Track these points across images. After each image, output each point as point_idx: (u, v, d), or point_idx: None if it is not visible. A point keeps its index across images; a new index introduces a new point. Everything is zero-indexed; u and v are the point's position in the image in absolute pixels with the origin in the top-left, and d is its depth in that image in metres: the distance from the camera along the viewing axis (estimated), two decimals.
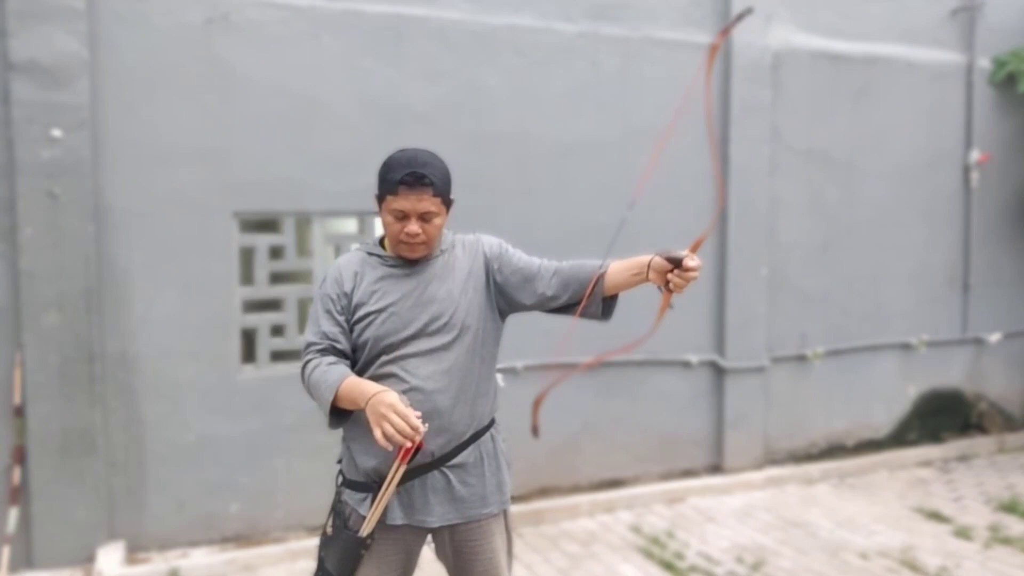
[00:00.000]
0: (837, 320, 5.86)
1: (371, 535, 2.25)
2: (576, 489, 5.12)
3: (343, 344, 2.31)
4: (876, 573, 4.19)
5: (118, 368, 4.20)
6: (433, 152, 2.32)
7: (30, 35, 3.93)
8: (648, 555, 4.36)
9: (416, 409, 2.14)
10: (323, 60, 4.47)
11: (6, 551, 3.98)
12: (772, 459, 5.69)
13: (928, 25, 6.05)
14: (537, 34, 4.91)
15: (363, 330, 2.28)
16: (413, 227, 2.24)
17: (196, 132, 4.26)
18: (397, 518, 2.29)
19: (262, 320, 4.50)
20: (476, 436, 2.35)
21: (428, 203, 2.23)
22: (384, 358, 2.27)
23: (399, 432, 2.04)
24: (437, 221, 2.27)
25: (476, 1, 4.78)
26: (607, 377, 5.13)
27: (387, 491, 2.19)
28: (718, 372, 5.51)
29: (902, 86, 5.95)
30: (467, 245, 2.42)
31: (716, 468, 5.54)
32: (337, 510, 2.34)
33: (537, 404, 2.44)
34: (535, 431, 2.47)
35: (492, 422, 2.42)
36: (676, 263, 2.17)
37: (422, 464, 2.27)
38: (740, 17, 2.23)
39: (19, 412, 4.02)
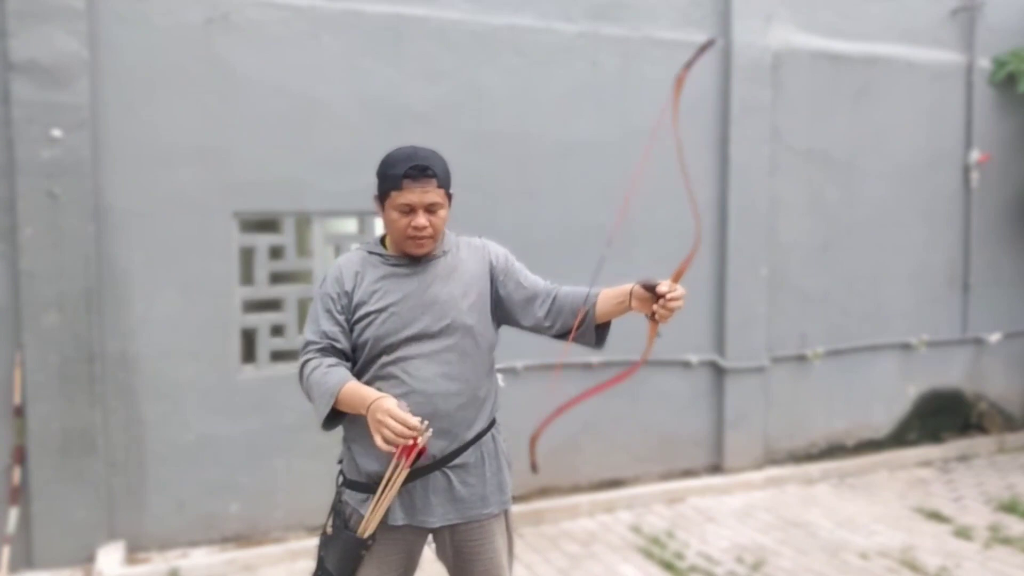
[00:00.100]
0: (837, 320, 5.86)
1: (372, 536, 2.24)
2: (576, 489, 5.12)
3: (342, 344, 2.30)
4: (876, 573, 4.19)
5: (118, 368, 4.20)
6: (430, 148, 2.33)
7: (30, 35, 3.93)
8: (648, 555, 4.36)
9: (417, 412, 2.14)
10: (323, 60, 4.47)
11: (6, 551, 3.98)
12: (772, 459, 5.69)
13: (928, 25, 6.05)
14: (537, 34, 4.91)
15: (363, 330, 2.28)
16: (421, 219, 2.24)
17: (196, 132, 4.26)
18: (398, 518, 2.29)
19: (262, 320, 4.50)
20: (477, 437, 2.35)
21: (433, 194, 2.25)
22: (384, 359, 2.26)
23: (399, 436, 2.05)
24: (442, 213, 2.29)
25: (476, 1, 4.78)
26: (607, 377, 5.12)
27: (388, 493, 2.19)
28: (718, 372, 5.51)
29: (902, 86, 5.95)
30: (472, 248, 2.43)
31: (716, 468, 5.54)
32: (337, 510, 2.34)
33: (534, 441, 2.44)
34: (534, 468, 2.49)
35: (493, 422, 2.42)
36: (651, 290, 2.19)
37: (424, 465, 2.27)
38: (703, 49, 2.25)
39: (19, 412, 4.02)
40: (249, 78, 4.34)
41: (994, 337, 6.39)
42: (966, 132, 6.19)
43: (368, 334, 2.27)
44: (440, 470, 2.30)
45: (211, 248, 4.33)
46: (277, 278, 4.56)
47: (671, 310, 2.19)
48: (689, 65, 2.25)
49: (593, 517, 4.90)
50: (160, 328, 4.25)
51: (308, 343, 2.33)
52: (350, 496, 2.32)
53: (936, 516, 4.94)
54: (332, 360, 2.28)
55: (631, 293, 2.27)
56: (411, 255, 2.33)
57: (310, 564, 4.17)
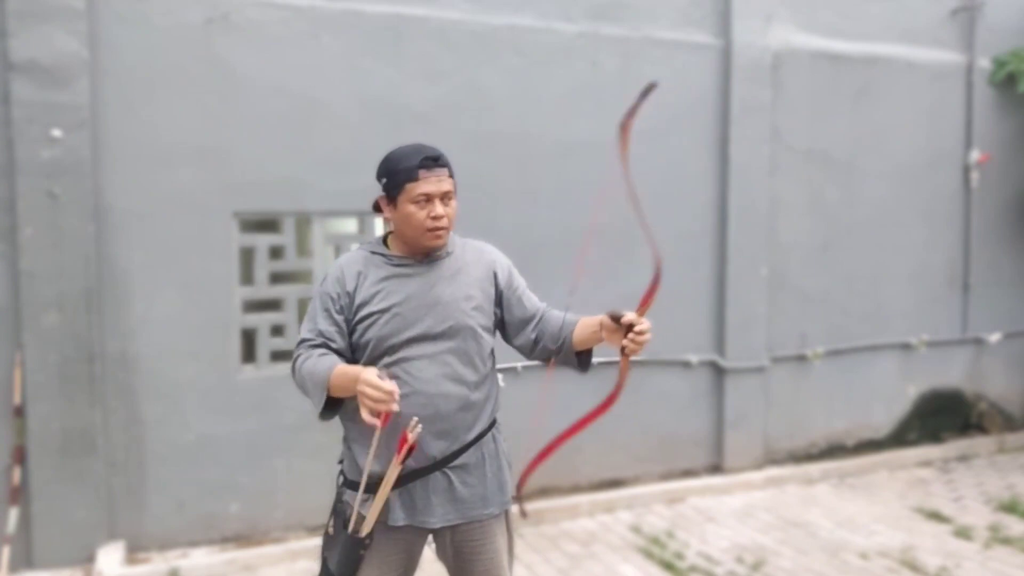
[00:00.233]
0: (837, 320, 5.86)
1: (370, 535, 2.24)
2: (576, 489, 5.12)
3: (338, 343, 2.30)
4: (876, 573, 4.19)
5: (118, 368, 4.20)
6: None
7: (30, 35, 3.93)
8: (648, 555, 4.36)
9: (418, 413, 2.16)
10: (323, 60, 4.47)
11: (6, 551, 3.98)
12: (772, 459, 5.69)
13: (928, 25, 6.05)
14: (537, 34, 4.91)
15: (366, 330, 2.27)
16: (439, 208, 2.25)
17: (196, 132, 4.26)
18: (399, 519, 2.28)
19: (262, 320, 4.50)
20: (478, 437, 2.35)
21: (447, 183, 2.28)
22: (387, 359, 2.26)
23: (377, 402, 2.06)
24: (454, 204, 2.31)
25: (476, 1, 4.78)
26: (607, 377, 5.11)
27: (382, 491, 2.19)
28: (718, 372, 5.51)
29: (902, 86, 5.95)
30: (476, 251, 2.44)
31: (716, 468, 5.54)
32: (338, 511, 2.34)
33: (522, 483, 2.44)
34: (523, 514, 2.50)
35: (493, 423, 2.42)
36: (616, 321, 2.21)
37: (424, 466, 2.27)
38: (646, 94, 2.26)
39: (19, 412, 4.02)
40: (249, 78, 4.34)
41: (994, 337, 6.39)
42: (966, 132, 6.19)
43: (370, 334, 2.26)
44: (441, 470, 2.30)
45: (211, 248, 4.33)
46: (277, 278, 4.56)
47: (640, 343, 2.20)
48: (633, 112, 2.25)
49: (593, 517, 4.90)
50: (160, 328, 4.25)
51: (303, 340, 2.32)
52: (351, 497, 2.31)
53: (936, 516, 4.94)
54: (321, 351, 2.27)
55: (601, 325, 2.29)
56: (416, 255, 2.32)
57: (310, 564, 4.18)
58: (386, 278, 2.31)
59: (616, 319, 2.22)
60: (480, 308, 2.35)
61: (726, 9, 5.35)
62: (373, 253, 2.36)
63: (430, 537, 2.38)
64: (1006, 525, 4.80)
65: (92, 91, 4.06)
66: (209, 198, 4.30)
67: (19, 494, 4.02)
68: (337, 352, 2.30)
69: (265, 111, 4.37)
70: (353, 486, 2.31)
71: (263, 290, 4.50)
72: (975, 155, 6.16)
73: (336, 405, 2.27)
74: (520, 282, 2.48)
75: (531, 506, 4.79)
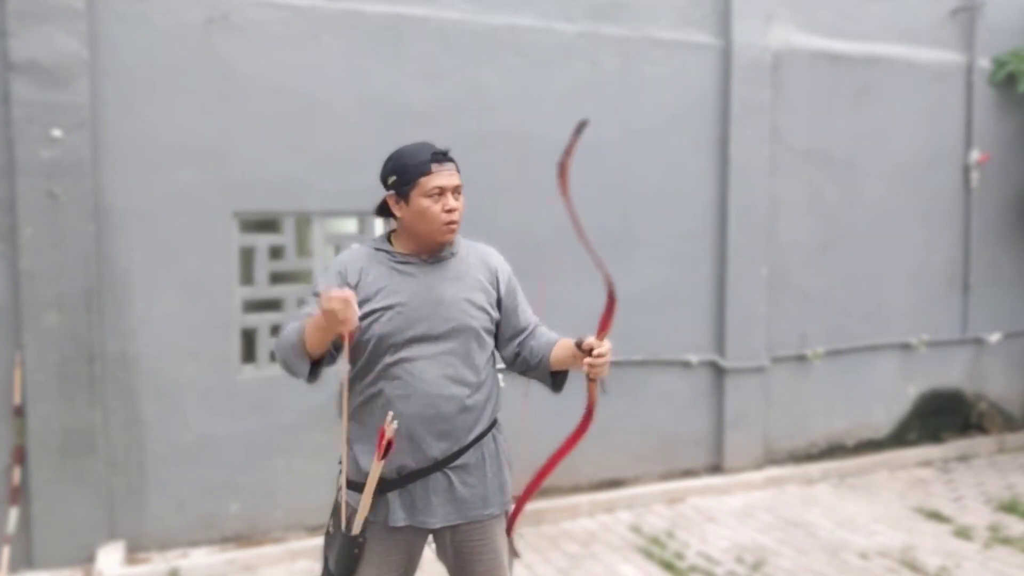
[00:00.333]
0: (837, 320, 5.86)
1: (363, 533, 2.24)
2: (576, 489, 5.12)
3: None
4: (876, 573, 4.19)
5: (118, 368, 4.20)
6: None
7: (30, 35, 3.93)
8: (648, 555, 4.36)
9: (420, 414, 2.19)
10: (323, 60, 4.46)
11: (6, 551, 3.98)
12: (772, 459, 5.69)
13: (928, 25, 6.05)
14: (537, 34, 4.91)
15: (368, 327, 2.26)
16: (453, 201, 2.27)
17: (196, 132, 4.26)
18: (399, 519, 2.28)
19: (262, 320, 4.50)
20: (478, 438, 2.35)
21: (456, 178, 2.30)
22: (387, 359, 2.25)
23: (333, 308, 2.02)
24: (462, 199, 2.32)
25: (476, 1, 4.77)
26: (607, 377, 5.12)
27: (370, 488, 2.20)
28: (718, 372, 5.51)
29: (902, 86, 5.95)
30: (480, 253, 2.44)
31: (716, 468, 5.54)
32: (337, 510, 2.34)
33: (512, 524, 2.44)
34: (516, 554, 2.50)
35: (494, 423, 2.42)
36: (578, 346, 2.22)
37: (425, 466, 2.27)
38: (579, 131, 2.27)
39: (19, 412, 4.02)
40: (249, 78, 4.33)
41: (994, 337, 6.39)
42: (966, 132, 6.19)
43: (372, 332, 2.25)
44: (441, 471, 2.29)
45: (211, 248, 4.33)
46: (277, 278, 4.56)
47: (598, 365, 2.20)
48: (569, 151, 2.26)
49: (593, 517, 4.90)
50: (160, 328, 4.25)
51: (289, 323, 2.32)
52: (351, 497, 2.31)
53: (936, 516, 4.94)
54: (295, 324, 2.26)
55: (571, 350, 2.30)
56: (423, 253, 2.32)
57: (310, 564, 4.18)
58: (389, 276, 2.30)
59: (577, 344, 2.24)
60: (482, 310, 2.35)
61: (726, 9, 5.35)
62: (377, 250, 2.36)
63: (430, 537, 2.38)
64: (1006, 525, 4.80)
65: (92, 91, 4.06)
66: (209, 198, 4.30)
67: (19, 494, 4.02)
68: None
69: (265, 111, 4.36)
70: (354, 486, 2.31)
71: (263, 290, 4.50)
72: (975, 155, 6.16)
73: (319, 364, 2.25)
74: (519, 292, 2.49)
75: (531, 506, 4.76)
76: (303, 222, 4.60)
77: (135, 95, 4.15)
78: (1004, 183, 6.35)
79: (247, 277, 4.48)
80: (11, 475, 4.02)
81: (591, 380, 2.26)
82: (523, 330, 2.46)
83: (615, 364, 5.14)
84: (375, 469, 2.17)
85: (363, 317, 2.26)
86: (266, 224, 4.55)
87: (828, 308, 5.83)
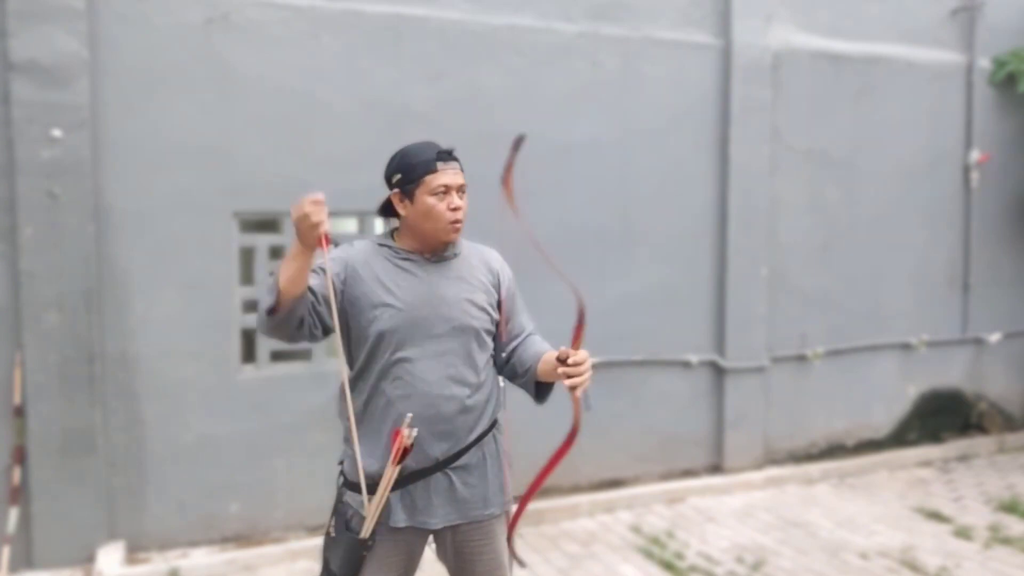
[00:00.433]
0: (837, 320, 5.86)
1: (372, 536, 2.24)
2: (576, 489, 5.12)
3: (316, 297, 2.19)
4: (876, 573, 4.19)
5: (118, 368, 4.20)
6: None
7: (30, 35, 3.93)
8: (648, 555, 4.36)
9: (420, 414, 2.17)
10: (323, 60, 4.46)
11: (6, 551, 3.98)
12: (772, 459, 5.69)
13: (928, 25, 6.05)
14: (537, 34, 4.91)
15: (369, 324, 2.25)
16: (458, 200, 2.27)
17: (196, 132, 4.26)
18: (400, 520, 2.28)
19: None
20: (479, 438, 2.34)
21: (461, 177, 2.30)
22: (388, 357, 2.25)
23: (305, 211, 1.98)
24: (466, 198, 2.32)
25: (476, 1, 4.78)
26: (607, 377, 5.13)
27: (382, 492, 2.19)
28: (718, 372, 5.51)
29: (902, 86, 5.95)
30: (482, 254, 2.45)
31: (716, 468, 5.54)
32: (339, 511, 2.33)
33: (512, 529, 2.44)
34: (520, 564, 2.49)
35: (495, 423, 2.42)
36: (557, 358, 2.19)
37: (426, 466, 2.27)
38: (517, 147, 2.26)
39: (19, 412, 4.02)
40: (249, 78, 4.33)
41: (994, 337, 6.39)
42: (966, 132, 6.19)
43: (373, 329, 2.24)
44: (442, 471, 2.29)
45: (211, 248, 4.33)
46: None
47: (577, 374, 2.15)
48: (509, 167, 2.25)
49: (593, 517, 4.90)
50: (160, 328, 4.24)
51: None
52: (351, 498, 2.31)
53: (936, 516, 4.94)
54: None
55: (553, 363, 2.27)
56: (426, 252, 2.32)
57: (310, 564, 4.18)
58: (392, 273, 2.29)
59: (558, 357, 2.21)
60: (483, 310, 2.35)
61: (726, 9, 5.35)
62: (381, 246, 2.35)
63: (431, 538, 2.38)
64: (1006, 525, 4.80)
65: (92, 91, 4.06)
66: (209, 198, 4.30)
67: (19, 494, 4.02)
68: (312, 306, 2.18)
69: (265, 111, 4.36)
70: (354, 487, 2.30)
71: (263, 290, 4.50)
72: (975, 155, 6.16)
73: (294, 308, 2.12)
74: (518, 298, 2.49)
75: (531, 506, 4.77)
76: None
77: (135, 95, 4.15)
78: (1004, 183, 6.35)
79: (247, 277, 4.48)
80: (11, 475, 4.02)
81: (572, 392, 2.19)
82: (516, 336, 2.45)
83: (615, 365, 5.19)
84: (388, 474, 2.16)
85: (363, 312, 2.25)
86: (266, 224, 4.55)
87: (828, 308, 5.83)
